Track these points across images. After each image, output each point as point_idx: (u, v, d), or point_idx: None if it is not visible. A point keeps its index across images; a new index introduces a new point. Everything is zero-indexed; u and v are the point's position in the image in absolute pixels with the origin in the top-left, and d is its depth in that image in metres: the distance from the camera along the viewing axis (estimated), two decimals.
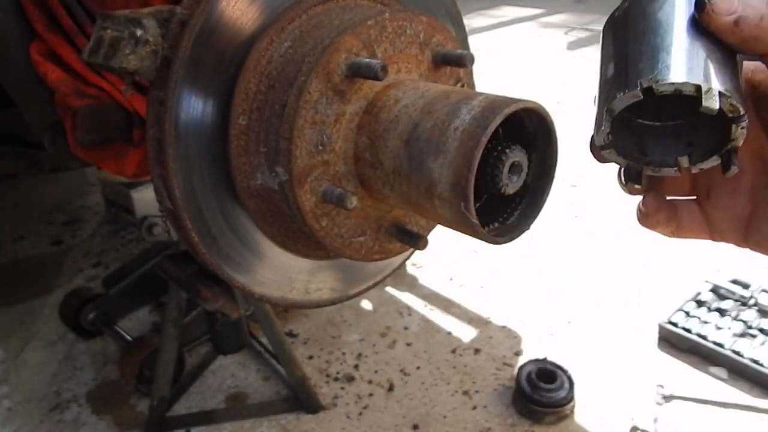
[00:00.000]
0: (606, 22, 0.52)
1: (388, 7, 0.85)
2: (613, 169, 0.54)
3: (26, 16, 1.06)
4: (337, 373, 1.94)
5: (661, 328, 2.03)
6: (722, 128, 0.47)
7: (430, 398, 1.85)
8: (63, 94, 0.99)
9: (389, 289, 2.35)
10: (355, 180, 0.77)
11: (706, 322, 2.03)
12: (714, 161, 0.49)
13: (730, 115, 0.45)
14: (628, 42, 0.49)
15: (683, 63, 0.44)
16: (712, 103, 0.43)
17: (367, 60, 0.70)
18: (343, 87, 0.72)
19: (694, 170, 0.50)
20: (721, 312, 2.08)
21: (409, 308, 2.25)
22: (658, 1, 0.49)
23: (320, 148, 0.72)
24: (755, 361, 1.86)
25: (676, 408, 1.76)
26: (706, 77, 0.44)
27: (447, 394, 1.86)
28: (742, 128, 0.46)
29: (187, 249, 0.83)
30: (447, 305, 2.26)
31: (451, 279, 2.40)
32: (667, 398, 1.78)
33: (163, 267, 1.48)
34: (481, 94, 0.70)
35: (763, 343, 1.93)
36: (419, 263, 2.50)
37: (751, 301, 2.10)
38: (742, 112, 0.45)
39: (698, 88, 0.43)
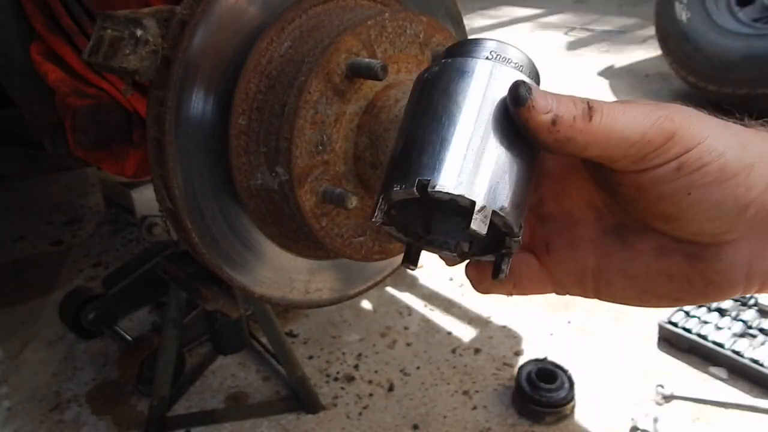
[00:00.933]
0: (416, 79, 0.47)
1: (388, 7, 0.85)
2: None
3: (26, 16, 1.06)
4: (337, 373, 1.95)
5: (661, 328, 2.03)
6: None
7: (430, 398, 1.85)
8: (63, 94, 0.99)
9: (389, 289, 2.35)
10: (355, 180, 0.77)
11: (706, 322, 2.03)
12: (490, 258, 0.46)
13: (504, 230, 0.42)
14: (423, 120, 0.43)
15: (466, 170, 0.41)
16: (480, 227, 0.40)
17: (367, 60, 0.70)
18: (343, 87, 0.72)
19: (472, 261, 0.48)
20: (721, 312, 2.08)
21: (409, 308, 2.25)
22: (465, 80, 0.43)
23: (320, 148, 0.73)
24: (755, 361, 1.85)
25: (676, 408, 1.76)
26: (488, 190, 0.41)
27: (447, 394, 1.86)
28: (516, 241, 0.43)
29: (187, 249, 0.83)
30: (447, 305, 2.26)
31: (451, 279, 2.40)
32: (667, 398, 1.78)
33: (163, 267, 1.48)
34: None
35: (763, 343, 1.93)
36: (419, 263, 2.50)
37: (751, 301, 2.10)
38: (515, 230, 0.42)
39: (472, 204, 0.40)
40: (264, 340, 1.94)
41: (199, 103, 0.76)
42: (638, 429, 1.67)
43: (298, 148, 0.71)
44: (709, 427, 1.71)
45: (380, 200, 0.44)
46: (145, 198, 1.77)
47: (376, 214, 0.44)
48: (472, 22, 5.82)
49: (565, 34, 5.50)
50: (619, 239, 0.47)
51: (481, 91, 0.43)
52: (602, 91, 3.99)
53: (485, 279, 0.49)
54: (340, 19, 0.77)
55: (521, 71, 0.45)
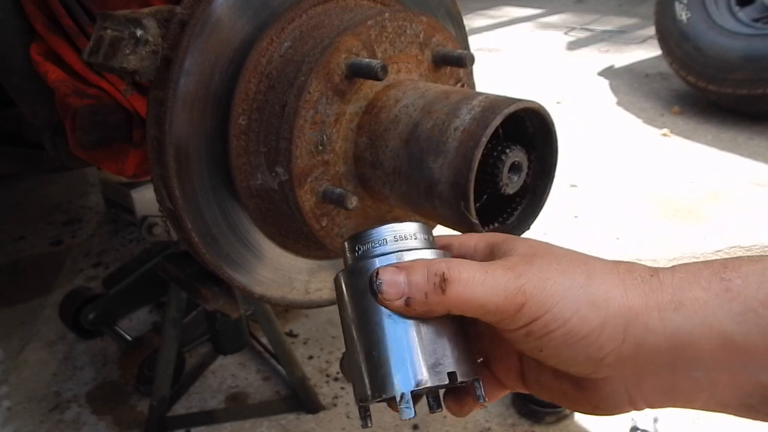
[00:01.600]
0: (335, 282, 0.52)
1: (388, 7, 0.85)
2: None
3: (26, 16, 1.06)
4: (337, 373, 1.94)
5: None
6: None
7: None
8: (63, 94, 0.99)
9: None
10: (355, 180, 0.77)
11: None
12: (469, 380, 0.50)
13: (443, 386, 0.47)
14: (346, 334, 0.49)
15: (374, 374, 0.46)
16: (408, 413, 0.45)
17: (367, 60, 0.70)
18: (343, 87, 0.72)
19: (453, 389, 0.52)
20: None
21: None
22: (342, 297, 0.49)
23: (320, 148, 0.72)
24: None
25: (676, 408, 1.76)
26: (394, 380, 0.45)
27: None
28: (462, 382, 0.47)
29: (187, 249, 0.83)
30: None
31: None
32: None
33: (163, 267, 1.48)
34: (481, 94, 0.70)
35: None
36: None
37: None
38: (447, 383, 0.46)
39: (392, 399, 0.45)
40: (264, 340, 1.94)
41: (198, 103, 0.76)
42: (638, 429, 1.66)
43: (298, 148, 0.70)
44: (709, 427, 1.71)
45: (360, 408, 0.49)
46: (145, 198, 1.76)
47: (365, 423, 0.49)
48: (472, 22, 5.82)
49: (565, 34, 5.50)
50: (533, 359, 0.50)
51: (355, 298, 0.48)
52: (602, 91, 3.98)
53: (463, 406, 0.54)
54: (340, 19, 0.76)
55: (399, 240, 0.49)
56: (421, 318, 0.47)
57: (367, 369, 0.47)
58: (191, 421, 1.78)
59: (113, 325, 2.00)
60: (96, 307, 1.98)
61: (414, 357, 0.46)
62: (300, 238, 0.86)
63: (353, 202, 0.71)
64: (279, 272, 0.89)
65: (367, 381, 0.46)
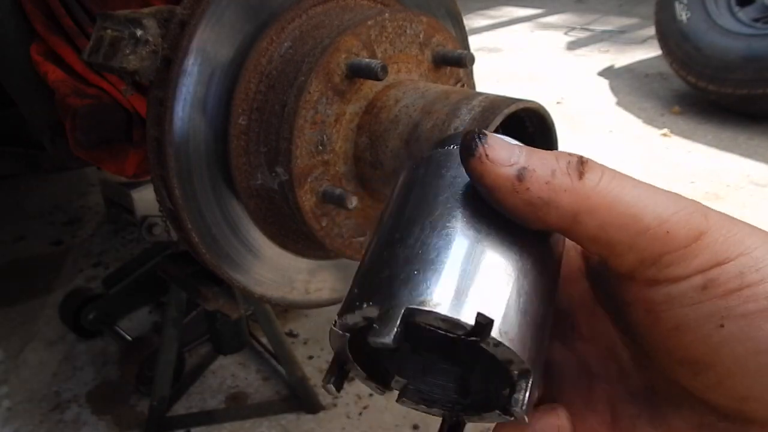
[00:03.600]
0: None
1: (388, 7, 0.85)
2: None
3: (26, 16, 1.06)
4: None
5: None
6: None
7: None
8: (63, 94, 0.99)
9: None
10: (355, 180, 0.77)
11: None
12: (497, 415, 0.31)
13: (502, 359, 0.29)
14: (377, 232, 0.34)
15: (393, 273, 0.30)
16: (380, 337, 0.28)
17: (367, 60, 0.70)
18: (343, 87, 0.72)
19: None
20: None
21: None
22: (399, 189, 0.36)
23: (320, 148, 0.73)
24: None
25: None
26: (416, 284, 0.29)
27: None
28: (523, 370, 0.29)
29: (187, 249, 0.83)
30: None
31: None
32: None
33: (163, 267, 1.48)
34: (481, 94, 0.70)
35: None
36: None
37: None
38: (519, 359, 0.29)
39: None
40: (264, 340, 1.94)
41: (199, 103, 0.76)
42: None
43: (298, 148, 0.70)
44: None
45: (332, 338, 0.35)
46: (145, 198, 1.76)
47: (335, 386, 0.36)
48: (472, 22, 5.81)
49: (565, 34, 5.49)
50: (648, 410, 0.33)
51: (453, 176, 0.34)
52: (602, 91, 3.98)
53: None
54: (340, 19, 0.76)
55: None
56: (520, 215, 0.30)
57: (375, 268, 0.31)
58: (191, 421, 1.78)
59: (113, 325, 2.00)
60: (96, 307, 1.98)
61: (446, 268, 0.29)
62: (300, 238, 0.86)
63: (353, 202, 0.72)
64: (279, 272, 0.89)
65: (364, 283, 0.31)
